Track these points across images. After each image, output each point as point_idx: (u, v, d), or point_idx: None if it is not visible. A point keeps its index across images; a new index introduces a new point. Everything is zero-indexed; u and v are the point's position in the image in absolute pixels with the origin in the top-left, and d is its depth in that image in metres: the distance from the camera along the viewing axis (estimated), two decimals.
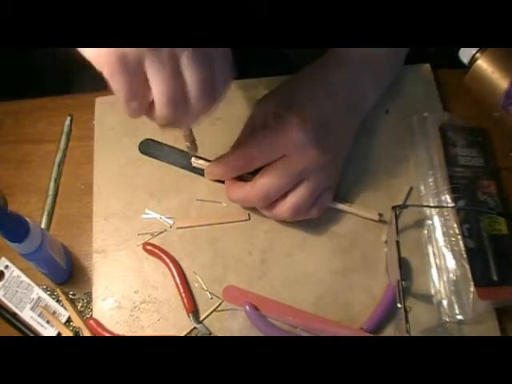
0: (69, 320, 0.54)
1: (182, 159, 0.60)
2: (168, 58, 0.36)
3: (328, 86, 0.55)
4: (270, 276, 0.55)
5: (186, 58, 0.37)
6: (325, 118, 0.52)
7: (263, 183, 0.51)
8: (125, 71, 0.36)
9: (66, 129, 0.63)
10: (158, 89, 0.37)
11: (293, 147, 0.50)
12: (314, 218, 0.55)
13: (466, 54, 0.60)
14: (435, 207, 0.57)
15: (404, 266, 0.51)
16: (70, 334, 0.54)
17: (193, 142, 0.53)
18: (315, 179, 0.51)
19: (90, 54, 0.37)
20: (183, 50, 0.37)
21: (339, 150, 0.55)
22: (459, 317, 0.52)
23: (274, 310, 0.53)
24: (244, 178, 0.54)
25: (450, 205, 0.56)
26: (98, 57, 0.37)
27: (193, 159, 0.59)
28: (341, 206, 0.57)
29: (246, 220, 0.57)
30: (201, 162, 0.59)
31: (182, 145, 0.59)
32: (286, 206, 0.52)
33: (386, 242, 0.55)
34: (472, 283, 0.52)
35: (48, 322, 0.54)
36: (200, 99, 0.39)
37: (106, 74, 0.37)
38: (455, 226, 0.55)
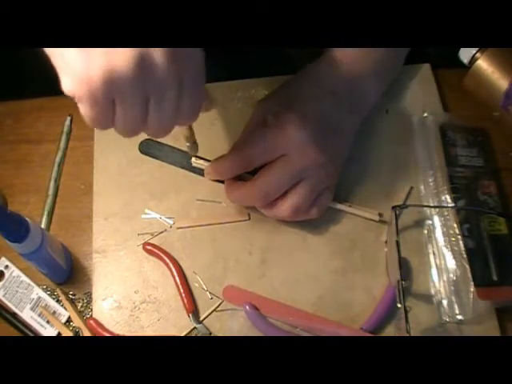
0: (69, 320, 0.54)
1: (182, 159, 0.60)
2: (137, 101, 0.37)
3: (328, 86, 0.55)
4: (270, 276, 0.55)
5: (153, 102, 0.37)
6: (325, 118, 0.52)
7: (263, 182, 0.51)
8: (93, 105, 0.36)
9: (65, 129, 0.63)
10: (119, 122, 0.38)
11: (292, 146, 0.50)
12: (314, 218, 0.54)
13: (466, 54, 0.60)
14: (435, 207, 0.57)
15: (404, 266, 0.51)
16: (70, 333, 0.54)
17: (194, 142, 0.53)
18: (315, 179, 0.51)
19: (63, 85, 0.37)
20: (153, 92, 0.37)
21: (339, 150, 0.55)
22: (459, 317, 0.52)
23: (274, 310, 0.53)
24: (243, 177, 0.54)
25: (450, 205, 0.56)
26: (70, 89, 0.37)
27: (193, 159, 0.59)
28: (341, 206, 0.57)
29: (246, 220, 0.57)
30: (201, 161, 0.59)
31: (182, 145, 0.59)
32: (285, 206, 0.52)
33: (386, 242, 0.55)
34: (472, 283, 0.52)
35: (48, 322, 0.54)
36: (155, 135, 0.41)
37: (76, 101, 0.37)
38: (455, 225, 0.55)
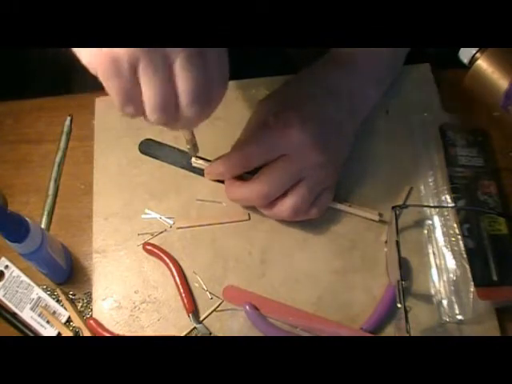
0: (69, 320, 0.54)
1: (182, 159, 0.60)
2: (161, 63, 0.36)
3: (328, 87, 0.55)
4: (270, 276, 0.55)
5: (179, 64, 0.36)
6: (325, 118, 0.52)
7: (263, 182, 0.51)
8: (118, 76, 0.36)
9: (66, 129, 0.63)
10: (148, 94, 0.37)
11: (292, 146, 0.50)
12: (314, 218, 0.54)
13: (466, 53, 0.60)
14: (435, 207, 0.57)
15: (404, 266, 0.51)
16: (70, 333, 0.54)
17: (194, 144, 0.53)
18: (315, 179, 0.51)
19: (84, 57, 0.37)
20: (177, 54, 0.36)
21: (339, 150, 0.55)
22: (459, 317, 0.52)
23: (274, 310, 0.53)
24: (243, 177, 0.54)
25: (450, 205, 0.56)
26: (91, 61, 0.36)
27: (193, 159, 0.59)
28: (341, 206, 0.57)
29: (246, 220, 0.57)
30: (201, 161, 0.59)
31: (182, 145, 0.59)
32: (285, 206, 0.52)
33: (386, 242, 0.55)
34: (472, 283, 0.52)
35: (48, 322, 0.54)
36: (191, 106, 0.38)
37: (100, 78, 0.36)
38: (455, 225, 0.55)
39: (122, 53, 0.35)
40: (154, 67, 0.36)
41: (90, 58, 0.36)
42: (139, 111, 0.39)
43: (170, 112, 0.38)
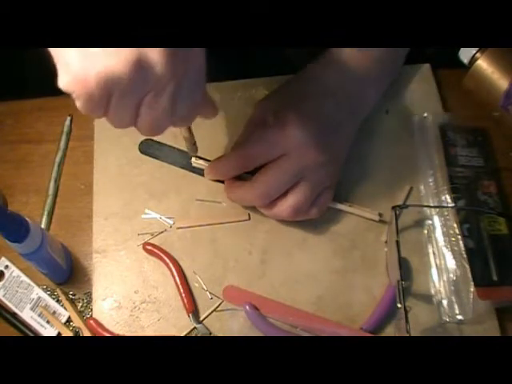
0: (69, 320, 0.54)
1: (182, 159, 0.60)
2: (133, 99, 0.37)
3: (328, 86, 0.55)
4: (270, 276, 0.55)
5: (146, 101, 0.38)
6: (325, 118, 0.52)
7: (263, 182, 0.51)
8: (90, 102, 0.37)
9: (65, 129, 0.63)
10: (112, 118, 0.39)
11: (292, 146, 0.50)
12: (314, 218, 0.54)
13: (466, 53, 0.60)
14: (435, 207, 0.57)
15: (404, 266, 0.51)
16: (70, 333, 0.54)
17: (193, 144, 0.53)
18: (315, 178, 0.51)
19: (60, 83, 0.37)
20: (148, 92, 0.37)
21: (339, 150, 0.55)
22: (459, 317, 0.52)
23: (274, 310, 0.53)
24: (243, 177, 0.54)
25: (450, 205, 0.56)
26: (67, 87, 0.37)
27: (193, 159, 0.59)
28: (341, 206, 0.57)
29: (246, 220, 0.57)
30: (201, 162, 0.59)
31: (182, 145, 0.59)
32: (285, 205, 0.52)
33: (386, 242, 0.55)
34: (472, 283, 0.52)
35: (48, 322, 0.54)
36: (146, 134, 0.41)
37: (74, 97, 0.38)
38: (455, 225, 0.55)
39: (95, 85, 0.36)
40: (124, 104, 0.37)
41: (65, 84, 0.37)
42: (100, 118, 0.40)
43: (125, 127, 0.41)
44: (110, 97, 0.37)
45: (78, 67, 0.35)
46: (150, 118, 0.39)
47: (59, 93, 0.38)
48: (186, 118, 0.42)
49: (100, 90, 0.36)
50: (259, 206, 0.54)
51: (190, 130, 0.51)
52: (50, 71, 0.38)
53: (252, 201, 0.53)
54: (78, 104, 0.38)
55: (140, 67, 0.35)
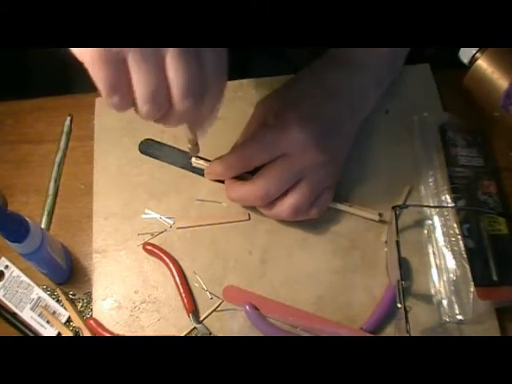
0: (69, 320, 0.54)
1: (182, 159, 0.60)
2: (152, 54, 0.35)
3: (328, 86, 0.55)
4: (270, 276, 0.55)
5: (171, 54, 0.35)
6: (325, 118, 0.52)
7: (263, 182, 0.51)
8: (105, 62, 0.34)
9: (66, 129, 0.63)
10: (138, 82, 0.36)
11: (293, 146, 0.50)
12: (314, 218, 0.54)
13: (466, 53, 0.60)
14: (435, 207, 0.57)
15: (404, 266, 0.51)
16: (70, 333, 0.54)
17: (196, 145, 0.53)
18: (315, 178, 0.51)
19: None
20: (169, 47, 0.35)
21: (339, 150, 0.55)
22: (459, 317, 0.52)
23: (274, 310, 0.53)
24: (243, 177, 0.54)
25: (450, 205, 0.56)
26: (79, 49, 0.35)
27: (193, 159, 0.59)
28: (341, 206, 0.57)
29: (246, 220, 0.57)
30: (201, 161, 0.59)
31: (182, 145, 0.59)
32: (285, 205, 0.52)
33: (386, 242, 0.55)
34: (472, 283, 0.52)
35: (48, 322, 0.54)
36: (183, 99, 0.37)
37: (87, 65, 0.35)
38: (455, 225, 0.55)
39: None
40: (145, 55, 0.35)
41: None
42: (125, 102, 0.37)
43: (160, 103, 0.37)
44: (127, 59, 0.34)
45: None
46: (179, 73, 0.35)
47: (59, 93, 0.38)
48: (218, 72, 0.39)
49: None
50: (259, 206, 0.54)
51: (194, 131, 0.51)
52: (50, 71, 0.38)
53: (252, 201, 0.53)
54: (97, 74, 0.35)
55: None
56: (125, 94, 0.36)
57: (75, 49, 0.36)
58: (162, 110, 0.38)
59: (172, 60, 0.35)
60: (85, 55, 0.35)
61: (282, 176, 0.51)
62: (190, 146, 0.53)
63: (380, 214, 0.56)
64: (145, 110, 0.37)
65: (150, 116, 0.38)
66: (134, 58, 0.35)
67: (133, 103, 0.38)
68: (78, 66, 0.37)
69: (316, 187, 0.52)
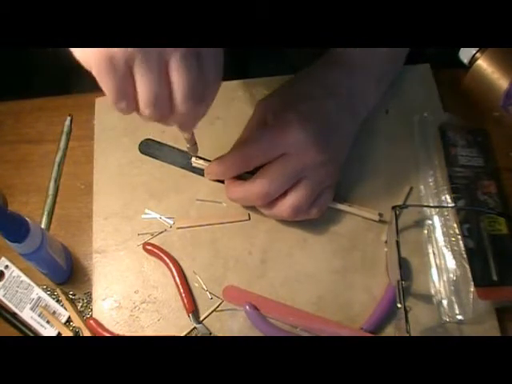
0: (69, 320, 0.54)
1: (181, 159, 0.60)
2: (156, 59, 0.36)
3: (328, 86, 0.55)
4: (270, 276, 0.55)
5: (174, 61, 0.37)
6: (325, 117, 0.52)
7: (263, 181, 0.51)
8: (113, 72, 0.36)
9: (66, 129, 0.63)
10: (142, 89, 0.38)
11: (292, 145, 0.50)
12: (314, 218, 0.54)
13: (466, 54, 0.60)
14: (435, 207, 0.57)
15: (404, 266, 0.51)
16: (70, 333, 0.54)
17: (194, 144, 0.53)
18: (315, 178, 0.51)
19: (79, 54, 0.37)
20: (173, 52, 0.36)
21: (339, 149, 0.54)
22: (459, 317, 0.52)
23: (274, 310, 0.53)
24: (244, 177, 0.54)
25: (450, 205, 0.56)
26: (86, 57, 0.37)
27: (193, 159, 0.59)
28: (341, 206, 0.57)
29: (246, 220, 0.57)
30: (201, 161, 0.59)
31: (182, 145, 0.59)
32: (285, 205, 0.52)
33: (386, 242, 0.55)
34: (472, 283, 0.52)
35: (48, 322, 0.54)
36: (184, 103, 0.39)
37: (94, 73, 0.37)
38: (455, 226, 0.55)
39: (117, 50, 0.35)
40: (149, 63, 0.36)
41: (85, 54, 0.36)
42: (132, 107, 0.39)
43: (162, 107, 0.39)
44: (133, 67, 0.36)
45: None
46: (182, 80, 0.37)
47: (59, 93, 0.38)
48: (215, 78, 0.41)
49: (122, 54, 0.35)
50: (259, 205, 0.54)
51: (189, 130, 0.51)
52: (50, 71, 0.38)
53: (252, 201, 0.53)
54: (103, 80, 0.37)
55: None
56: (131, 99, 0.38)
57: (80, 55, 0.37)
58: (164, 112, 0.39)
59: (175, 65, 0.37)
60: (91, 63, 0.36)
61: (282, 175, 0.51)
62: (188, 145, 0.53)
63: (380, 214, 0.56)
64: (147, 112, 0.39)
65: (151, 118, 0.40)
66: (138, 66, 0.36)
67: (136, 106, 0.39)
68: (78, 66, 0.37)
69: (316, 187, 0.52)
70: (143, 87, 0.37)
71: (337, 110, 0.54)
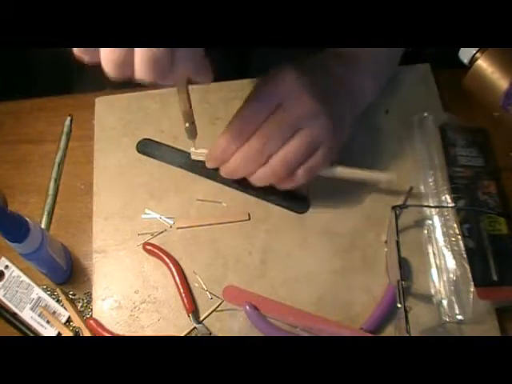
0: (69, 320, 0.54)
1: (179, 158, 0.60)
2: None
3: (327, 73, 0.54)
4: (270, 276, 0.55)
5: None
6: (324, 74, 0.52)
7: (259, 138, 0.49)
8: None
9: (66, 129, 0.63)
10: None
11: (287, 93, 0.49)
12: (314, 218, 0.54)
13: (466, 54, 0.60)
14: (435, 207, 0.57)
15: (404, 265, 0.51)
16: (70, 333, 0.54)
17: (192, 123, 0.50)
18: (309, 129, 0.50)
19: None
20: None
21: (337, 110, 0.52)
22: (459, 317, 0.52)
23: (274, 310, 0.53)
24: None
25: (450, 205, 0.56)
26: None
27: (192, 149, 0.56)
28: (344, 171, 0.54)
29: (246, 220, 0.57)
30: (200, 151, 0.56)
31: (181, 145, 0.59)
32: (277, 159, 0.50)
33: (386, 242, 0.55)
34: (472, 283, 0.52)
35: (48, 321, 0.54)
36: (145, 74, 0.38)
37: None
38: (455, 226, 0.55)
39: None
40: None
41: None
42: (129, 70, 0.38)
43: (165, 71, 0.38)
44: None
45: None
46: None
47: (59, 93, 0.38)
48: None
49: None
50: (254, 166, 0.51)
51: (189, 102, 0.49)
52: (50, 71, 0.38)
53: (249, 159, 0.50)
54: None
55: None
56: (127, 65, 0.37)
57: None
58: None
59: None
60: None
61: (278, 130, 0.49)
62: (186, 125, 0.50)
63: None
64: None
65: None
66: None
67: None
68: (79, 66, 0.37)
69: (310, 139, 0.50)
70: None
71: (336, 74, 0.53)
